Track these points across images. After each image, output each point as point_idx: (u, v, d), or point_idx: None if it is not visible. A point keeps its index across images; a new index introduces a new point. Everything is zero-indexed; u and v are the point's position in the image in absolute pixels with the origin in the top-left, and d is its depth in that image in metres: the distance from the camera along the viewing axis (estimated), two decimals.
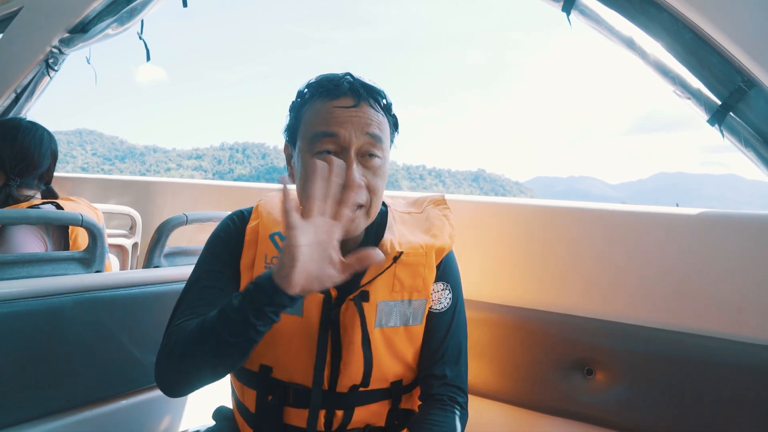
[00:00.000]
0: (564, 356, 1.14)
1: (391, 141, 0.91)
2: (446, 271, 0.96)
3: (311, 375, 0.86)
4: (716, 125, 1.12)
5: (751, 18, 1.03)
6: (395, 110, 0.92)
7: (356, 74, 0.89)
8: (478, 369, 0.99)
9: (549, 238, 1.24)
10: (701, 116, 1.14)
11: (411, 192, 1.49)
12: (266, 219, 0.92)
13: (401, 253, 0.89)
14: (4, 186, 1.36)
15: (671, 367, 1.04)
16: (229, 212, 1.09)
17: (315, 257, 0.66)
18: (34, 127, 1.38)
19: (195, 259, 1.32)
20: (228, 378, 1.06)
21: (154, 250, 1.20)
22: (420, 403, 0.93)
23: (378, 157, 0.85)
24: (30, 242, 1.21)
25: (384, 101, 0.89)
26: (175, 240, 1.48)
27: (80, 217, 1.08)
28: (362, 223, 0.86)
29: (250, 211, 0.95)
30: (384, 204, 0.99)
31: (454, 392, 0.91)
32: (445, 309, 0.94)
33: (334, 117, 0.83)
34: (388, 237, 0.91)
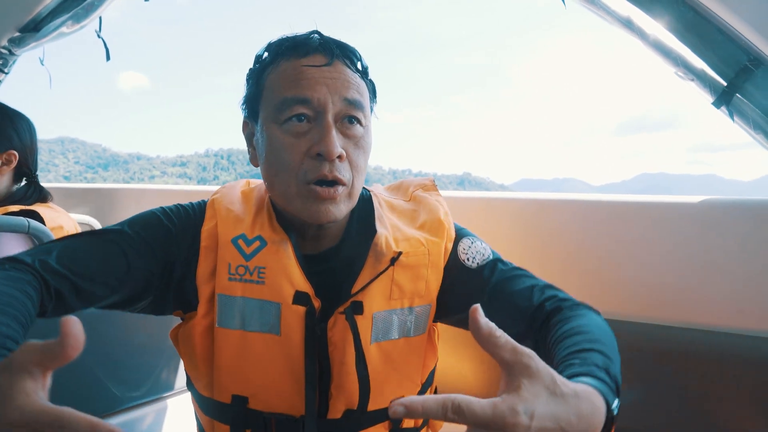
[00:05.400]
0: None
1: (371, 110, 0.77)
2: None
3: (297, 402, 0.72)
4: (723, 107, 1.04)
5: None
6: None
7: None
8: (478, 372, 0.89)
9: (547, 233, 1.15)
10: (706, 98, 1.06)
11: None
12: (226, 218, 0.74)
13: (400, 253, 0.73)
14: (31, 184, 1.25)
15: (683, 366, 0.96)
16: None
17: None
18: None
19: None
20: None
21: None
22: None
23: (360, 124, 0.72)
24: (12, 249, 1.06)
25: (360, 63, 0.75)
26: None
27: (26, 224, 0.97)
28: (344, 207, 0.71)
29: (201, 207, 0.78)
30: (364, 188, 0.84)
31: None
32: (490, 256, 0.77)
33: (306, 78, 0.68)
34: (381, 232, 0.75)
